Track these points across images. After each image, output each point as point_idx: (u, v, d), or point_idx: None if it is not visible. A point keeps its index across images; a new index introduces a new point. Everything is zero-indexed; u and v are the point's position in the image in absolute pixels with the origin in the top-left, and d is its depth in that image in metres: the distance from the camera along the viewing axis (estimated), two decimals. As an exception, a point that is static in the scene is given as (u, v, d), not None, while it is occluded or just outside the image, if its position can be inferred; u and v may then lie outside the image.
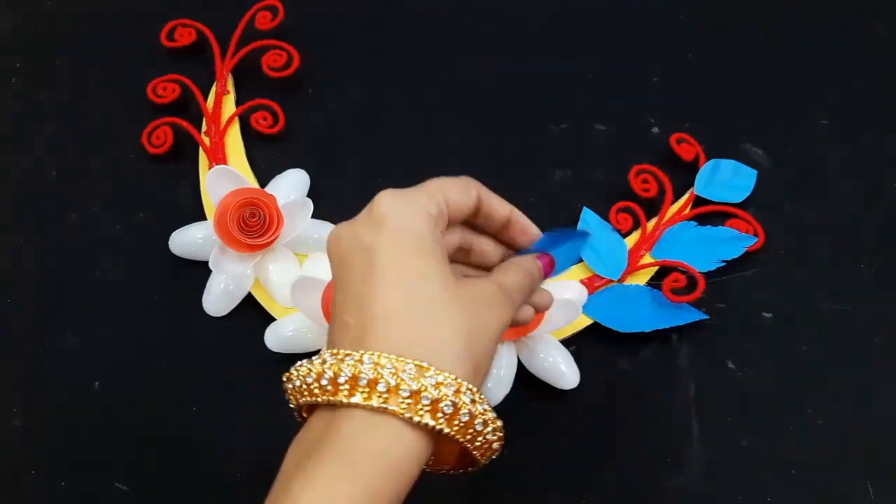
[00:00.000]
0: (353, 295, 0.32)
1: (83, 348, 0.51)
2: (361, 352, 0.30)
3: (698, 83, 0.59)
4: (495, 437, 0.33)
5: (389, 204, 0.34)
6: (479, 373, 0.33)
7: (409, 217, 0.33)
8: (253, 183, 0.53)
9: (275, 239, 0.49)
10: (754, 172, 0.54)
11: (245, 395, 0.49)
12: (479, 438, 0.32)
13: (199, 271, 0.51)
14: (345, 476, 0.29)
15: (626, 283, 0.51)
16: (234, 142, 0.55)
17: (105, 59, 0.59)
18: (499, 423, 0.33)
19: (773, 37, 0.61)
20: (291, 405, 0.34)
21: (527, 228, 0.39)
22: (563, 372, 0.48)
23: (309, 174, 0.54)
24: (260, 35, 0.57)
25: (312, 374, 0.31)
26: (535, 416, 0.49)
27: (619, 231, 0.52)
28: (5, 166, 0.56)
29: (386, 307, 0.31)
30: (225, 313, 0.51)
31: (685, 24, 0.61)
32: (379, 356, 0.30)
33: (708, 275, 0.50)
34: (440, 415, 0.30)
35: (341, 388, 0.30)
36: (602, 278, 0.51)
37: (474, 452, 0.33)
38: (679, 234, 0.52)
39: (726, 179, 0.54)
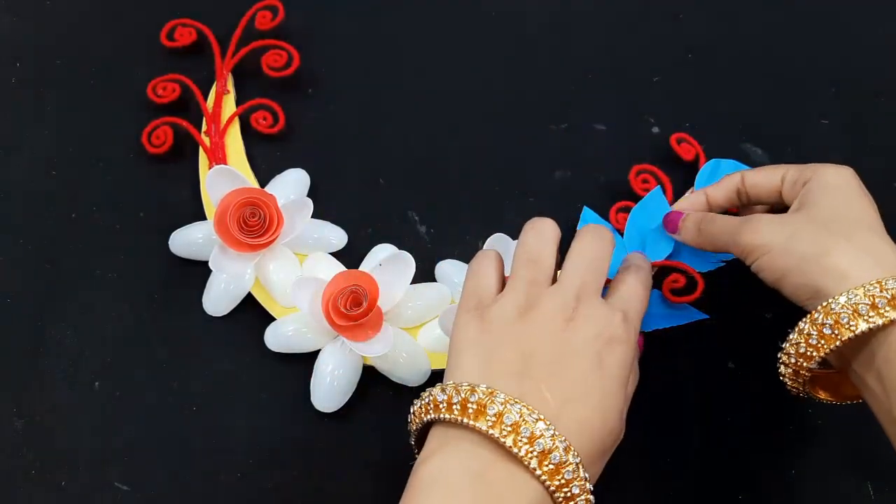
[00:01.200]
0: (565, 382, 0.36)
1: (83, 348, 0.51)
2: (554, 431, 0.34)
3: (698, 83, 0.59)
4: None
5: (618, 326, 0.39)
6: None
7: (631, 349, 0.40)
8: (253, 183, 0.53)
9: (275, 239, 0.49)
10: None
11: (245, 395, 0.49)
12: None
13: (199, 271, 0.51)
14: None
15: None
16: (234, 141, 0.55)
17: (105, 59, 0.59)
18: None
19: (774, 36, 0.61)
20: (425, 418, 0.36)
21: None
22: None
23: (309, 174, 0.54)
24: (260, 35, 0.57)
25: (523, 416, 0.34)
26: None
27: (618, 231, 0.52)
28: (5, 166, 0.56)
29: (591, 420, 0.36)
30: (225, 313, 0.51)
31: (685, 23, 0.61)
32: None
33: (708, 275, 0.50)
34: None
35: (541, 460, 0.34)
36: None
37: None
38: None
39: None
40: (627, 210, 0.52)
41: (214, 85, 0.57)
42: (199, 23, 0.58)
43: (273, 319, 0.50)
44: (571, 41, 0.61)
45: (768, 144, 0.56)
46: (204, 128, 0.55)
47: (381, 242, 0.52)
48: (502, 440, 0.33)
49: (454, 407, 0.34)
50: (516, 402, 0.34)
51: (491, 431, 0.33)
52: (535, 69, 0.60)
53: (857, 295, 0.37)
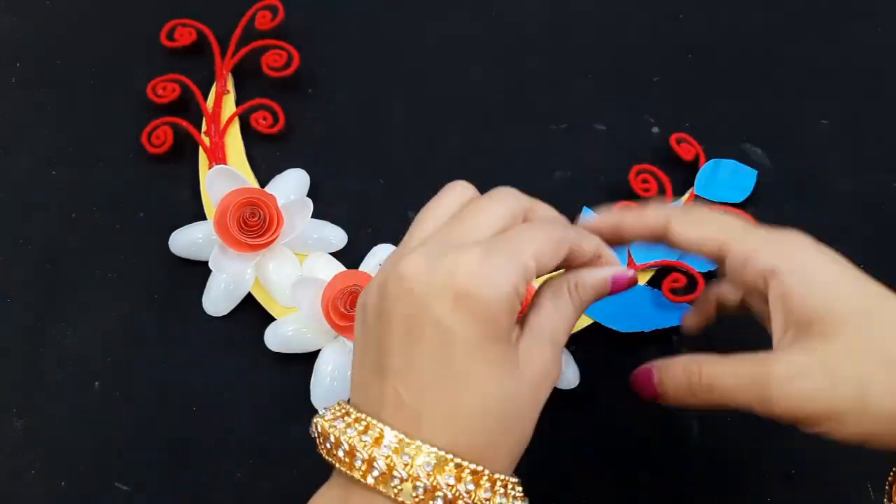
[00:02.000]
0: (417, 372, 0.29)
1: (83, 348, 0.51)
2: (418, 443, 0.28)
3: (698, 83, 0.59)
4: None
5: (474, 272, 0.29)
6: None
7: (494, 297, 0.29)
8: (253, 183, 0.53)
9: (275, 239, 0.49)
10: (754, 172, 0.54)
11: (245, 395, 0.49)
12: None
13: (199, 271, 0.51)
14: None
15: None
16: (234, 141, 0.55)
17: (105, 59, 0.59)
18: None
19: (774, 36, 0.61)
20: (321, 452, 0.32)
21: (605, 270, 0.35)
22: (562, 372, 0.48)
23: (309, 174, 0.54)
24: (260, 35, 0.57)
25: (358, 442, 0.29)
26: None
27: None
28: (5, 166, 0.56)
29: (456, 406, 0.29)
30: (225, 313, 0.51)
31: (685, 23, 0.61)
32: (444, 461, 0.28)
33: (708, 275, 0.50)
34: None
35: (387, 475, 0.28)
36: None
37: None
38: None
39: (726, 179, 0.54)
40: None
41: (214, 85, 0.57)
42: (199, 23, 0.58)
43: (273, 319, 0.50)
44: (571, 41, 0.61)
45: (768, 144, 0.56)
46: (204, 128, 0.55)
47: (381, 242, 0.52)
48: (384, 491, 0.28)
49: (325, 449, 0.30)
50: (378, 442, 0.29)
51: (369, 481, 0.29)
52: (535, 69, 0.60)
53: None
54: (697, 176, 0.53)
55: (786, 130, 0.57)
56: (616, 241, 0.37)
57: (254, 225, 0.49)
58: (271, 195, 0.50)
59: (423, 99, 0.58)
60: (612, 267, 0.35)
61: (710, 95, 0.58)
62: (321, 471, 0.48)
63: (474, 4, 0.62)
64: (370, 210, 0.54)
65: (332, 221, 0.53)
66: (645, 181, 0.53)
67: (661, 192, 0.53)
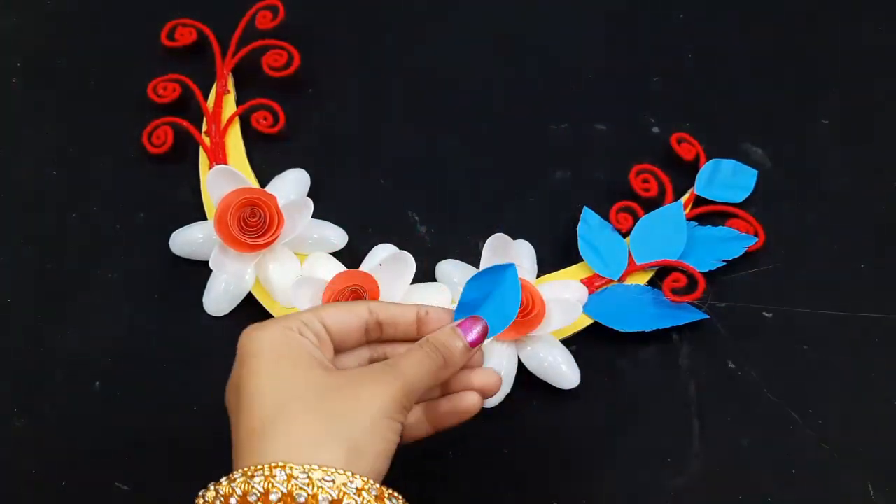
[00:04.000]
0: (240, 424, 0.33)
1: (83, 348, 0.51)
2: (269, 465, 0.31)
3: (698, 83, 0.59)
4: None
5: (249, 340, 0.35)
6: (363, 457, 0.32)
7: (267, 340, 0.34)
8: (253, 182, 0.53)
9: (275, 238, 0.49)
10: (754, 172, 0.54)
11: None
12: None
13: (199, 271, 0.51)
14: None
15: (626, 282, 0.51)
16: (235, 141, 0.55)
17: (105, 59, 0.59)
18: None
19: (774, 36, 0.61)
20: None
21: (442, 316, 0.38)
22: (563, 372, 0.48)
23: (309, 174, 0.54)
24: (260, 35, 0.57)
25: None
26: (535, 415, 0.49)
27: (619, 231, 0.52)
28: (5, 166, 0.56)
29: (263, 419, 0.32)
30: (225, 313, 0.51)
31: (685, 24, 0.61)
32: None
33: (708, 275, 0.51)
34: None
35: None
36: (602, 278, 0.51)
37: None
38: None
39: (726, 179, 0.54)
40: (627, 210, 0.53)
41: (215, 85, 0.57)
42: (200, 23, 0.58)
43: (273, 319, 0.50)
44: (572, 41, 0.61)
45: (768, 144, 0.56)
46: (204, 127, 0.55)
47: (381, 242, 0.52)
48: None
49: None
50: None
51: None
52: (535, 69, 0.60)
53: None
54: (698, 176, 0.54)
55: (786, 131, 0.57)
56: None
57: (254, 225, 0.49)
58: (271, 195, 0.50)
59: (422, 99, 0.58)
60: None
61: (710, 95, 0.58)
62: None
63: (474, 5, 0.62)
64: (370, 210, 0.54)
65: (332, 221, 0.53)
66: (645, 181, 0.53)
67: (662, 191, 0.53)
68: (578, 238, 0.52)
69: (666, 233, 0.52)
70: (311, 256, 0.51)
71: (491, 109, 0.58)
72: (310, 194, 0.53)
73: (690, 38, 0.61)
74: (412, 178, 0.56)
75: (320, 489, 0.30)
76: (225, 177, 0.50)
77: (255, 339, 0.34)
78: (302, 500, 0.30)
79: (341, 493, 0.30)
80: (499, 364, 0.47)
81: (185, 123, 0.55)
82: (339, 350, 0.37)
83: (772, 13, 0.62)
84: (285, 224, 0.50)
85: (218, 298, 0.50)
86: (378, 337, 0.38)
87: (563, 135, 0.57)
